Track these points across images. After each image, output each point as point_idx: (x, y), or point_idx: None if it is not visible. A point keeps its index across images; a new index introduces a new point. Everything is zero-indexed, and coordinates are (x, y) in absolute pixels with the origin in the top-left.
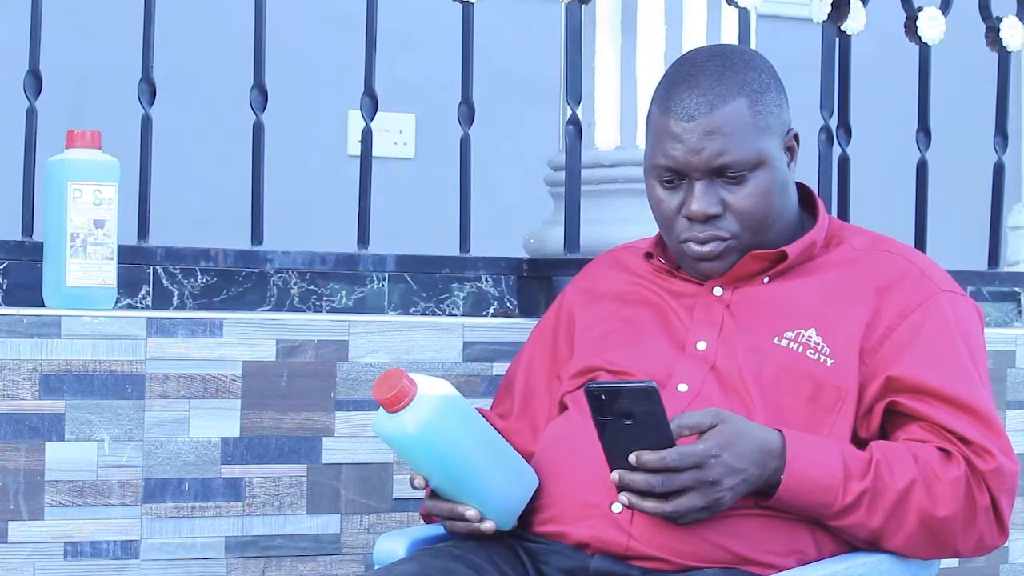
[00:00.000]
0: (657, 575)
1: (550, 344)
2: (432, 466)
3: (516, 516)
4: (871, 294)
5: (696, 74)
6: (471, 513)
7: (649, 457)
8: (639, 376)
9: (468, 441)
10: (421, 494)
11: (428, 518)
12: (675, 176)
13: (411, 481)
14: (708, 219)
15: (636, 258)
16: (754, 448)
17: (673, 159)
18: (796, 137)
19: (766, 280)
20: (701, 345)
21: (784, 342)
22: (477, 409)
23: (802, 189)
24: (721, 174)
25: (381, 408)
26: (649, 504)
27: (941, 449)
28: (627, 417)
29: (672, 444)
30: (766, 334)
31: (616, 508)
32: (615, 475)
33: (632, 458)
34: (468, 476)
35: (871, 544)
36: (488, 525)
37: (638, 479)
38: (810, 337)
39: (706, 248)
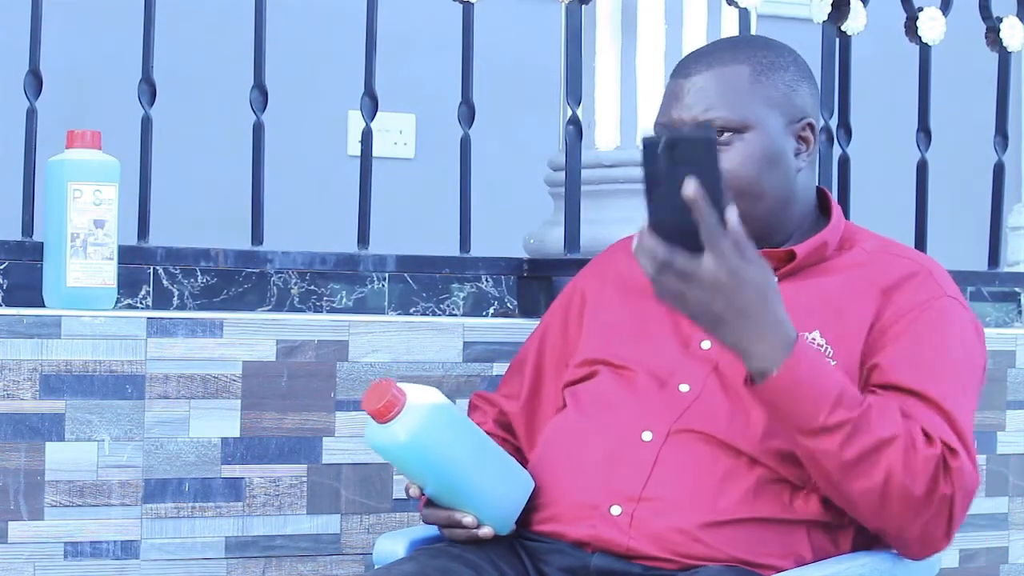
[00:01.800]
0: (658, 573)
1: (561, 324)
2: (426, 475)
3: (513, 520)
4: (877, 295)
5: (710, 45)
6: (468, 520)
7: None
8: (644, 372)
9: (460, 448)
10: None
11: None
12: None
13: (406, 490)
14: None
15: None
16: (765, 318)
17: (668, 116)
18: (812, 128)
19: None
20: (705, 344)
21: None
22: (480, 395)
23: (819, 192)
24: None
25: (371, 420)
26: (648, 262)
27: (924, 431)
28: (684, 166)
29: (724, 201)
30: None
31: (615, 510)
32: (638, 237)
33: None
34: (462, 483)
35: (829, 486)
36: (486, 531)
37: (660, 253)
38: (813, 339)
39: None
